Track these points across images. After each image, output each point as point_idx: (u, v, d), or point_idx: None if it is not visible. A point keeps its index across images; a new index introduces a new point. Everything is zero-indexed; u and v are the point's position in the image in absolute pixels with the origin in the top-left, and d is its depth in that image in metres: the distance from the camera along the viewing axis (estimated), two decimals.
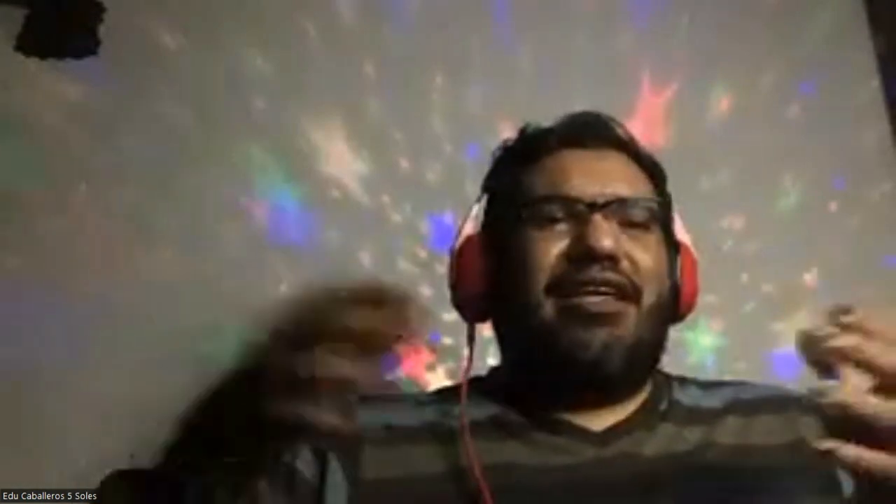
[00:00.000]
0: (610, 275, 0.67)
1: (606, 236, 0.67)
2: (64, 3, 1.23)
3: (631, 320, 0.68)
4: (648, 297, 0.69)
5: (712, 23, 1.37)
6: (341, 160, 1.28)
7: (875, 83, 1.38)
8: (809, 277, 1.30)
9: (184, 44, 1.28)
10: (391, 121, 1.30)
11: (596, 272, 0.67)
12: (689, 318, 0.78)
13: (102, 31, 1.24)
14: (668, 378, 0.77)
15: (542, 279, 0.69)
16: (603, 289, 0.68)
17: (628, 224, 0.70)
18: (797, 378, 1.30)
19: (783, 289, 1.29)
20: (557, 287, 0.68)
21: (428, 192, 1.28)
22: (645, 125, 1.31)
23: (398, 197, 1.28)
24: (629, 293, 0.68)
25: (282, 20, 1.31)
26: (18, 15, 1.22)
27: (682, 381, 0.77)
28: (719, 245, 1.29)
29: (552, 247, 0.69)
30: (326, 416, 0.47)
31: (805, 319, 1.27)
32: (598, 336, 0.67)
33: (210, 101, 1.27)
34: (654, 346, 0.72)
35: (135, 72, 1.26)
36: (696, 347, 1.26)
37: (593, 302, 0.67)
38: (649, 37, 1.36)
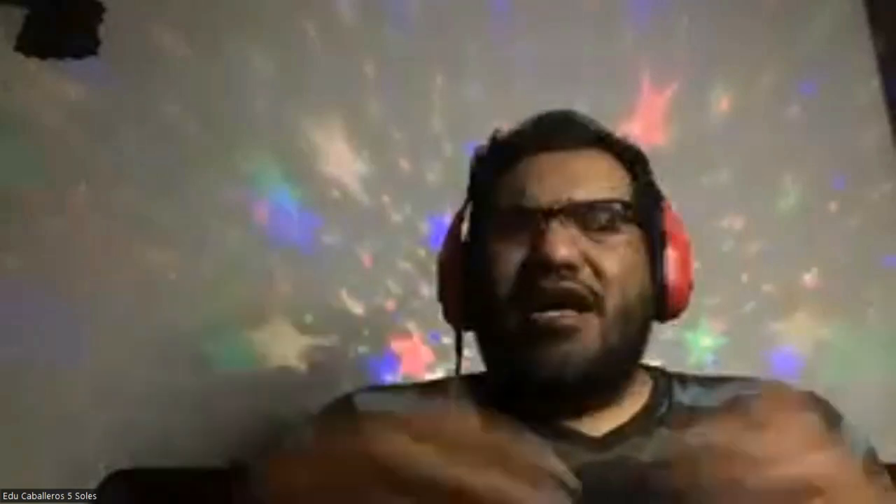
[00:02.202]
0: (568, 284, 0.66)
1: (561, 245, 0.65)
2: (64, 3, 1.23)
3: (592, 332, 0.66)
4: (613, 303, 0.67)
5: (712, 23, 1.37)
6: (341, 160, 1.28)
7: (875, 83, 1.37)
8: (809, 277, 1.29)
9: (184, 44, 1.28)
10: (391, 121, 1.30)
11: (552, 282, 0.66)
12: (690, 318, 0.77)
13: (102, 31, 1.24)
14: (670, 378, 0.76)
15: (503, 290, 0.68)
16: (560, 301, 0.67)
17: (591, 228, 0.69)
18: (797, 378, 1.31)
19: (783, 289, 1.29)
20: (518, 299, 0.68)
21: (428, 192, 1.28)
22: (645, 125, 1.31)
23: (398, 197, 1.28)
24: (588, 303, 0.67)
25: (282, 20, 1.31)
26: (18, 15, 1.22)
27: (684, 378, 0.77)
28: (719, 245, 1.29)
29: (512, 257, 0.68)
30: None
31: (805, 319, 1.28)
32: (554, 353, 0.66)
33: (210, 101, 1.27)
34: (626, 351, 0.70)
35: (135, 72, 1.26)
36: (696, 347, 1.26)
37: (550, 317, 0.66)
38: (649, 37, 1.36)
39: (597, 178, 0.71)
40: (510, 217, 0.70)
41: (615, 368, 0.69)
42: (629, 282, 0.68)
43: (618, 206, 0.69)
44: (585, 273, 0.67)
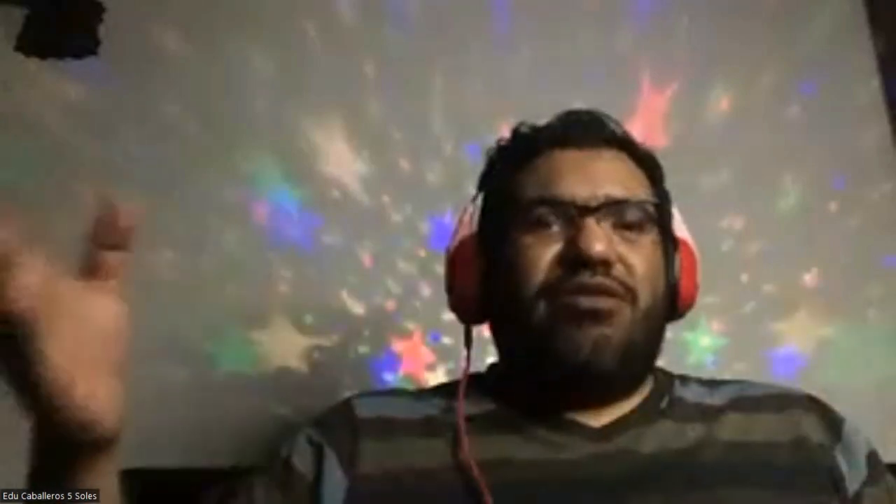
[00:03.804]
0: (602, 280, 0.67)
1: (598, 241, 0.66)
2: (64, 3, 1.23)
3: (625, 319, 0.67)
4: (643, 300, 0.69)
5: (712, 23, 1.37)
6: (341, 160, 1.28)
7: (875, 83, 1.38)
8: (809, 277, 1.30)
9: (184, 44, 1.28)
10: (391, 121, 1.30)
11: (588, 278, 0.67)
12: (690, 318, 0.77)
13: (102, 31, 1.24)
14: (671, 376, 0.77)
15: (535, 284, 0.68)
16: (595, 294, 0.67)
17: (622, 226, 0.70)
18: (796, 378, 1.31)
19: (783, 289, 1.29)
20: (550, 291, 0.68)
21: (428, 192, 1.28)
22: (645, 125, 1.31)
23: (398, 197, 1.28)
24: (622, 296, 0.68)
25: (282, 20, 1.31)
26: (18, 15, 1.22)
27: (685, 379, 0.77)
28: (719, 245, 1.29)
29: (545, 251, 0.69)
30: None
31: (805, 319, 1.28)
32: (590, 335, 0.66)
33: (210, 101, 1.27)
34: (648, 347, 0.71)
35: (135, 72, 1.26)
36: (696, 347, 1.26)
37: (590, 299, 0.67)
38: (649, 37, 1.36)
39: (627, 178, 0.72)
40: (541, 208, 0.70)
41: (639, 363, 0.70)
42: (655, 282, 0.70)
43: (650, 207, 0.71)
44: (618, 269, 0.67)
